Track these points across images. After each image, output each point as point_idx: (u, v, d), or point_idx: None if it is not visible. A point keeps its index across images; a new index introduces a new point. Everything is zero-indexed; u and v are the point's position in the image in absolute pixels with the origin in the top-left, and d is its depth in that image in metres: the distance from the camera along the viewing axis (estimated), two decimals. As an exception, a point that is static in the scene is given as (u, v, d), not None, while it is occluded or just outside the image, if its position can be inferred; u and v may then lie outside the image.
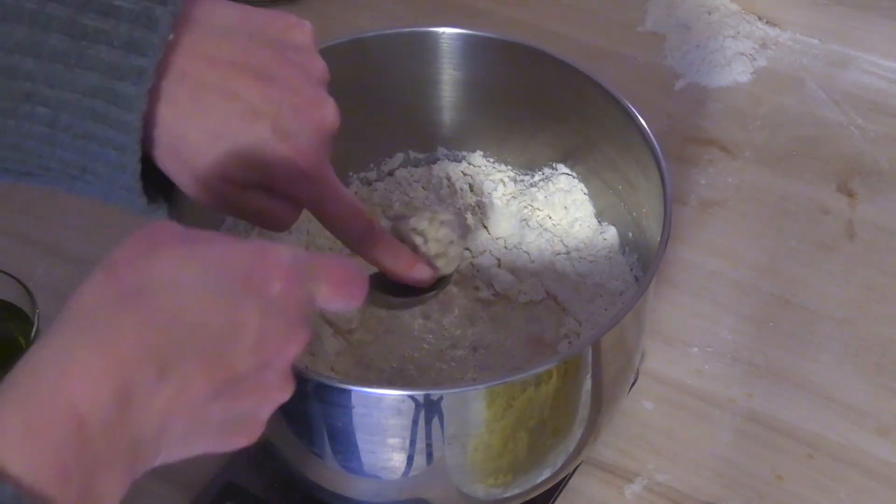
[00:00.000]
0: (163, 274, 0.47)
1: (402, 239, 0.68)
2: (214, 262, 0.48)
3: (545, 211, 0.82)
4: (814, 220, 0.92)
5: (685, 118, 0.99)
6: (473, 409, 0.62)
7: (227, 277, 0.48)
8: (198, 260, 0.48)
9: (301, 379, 0.62)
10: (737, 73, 1.02)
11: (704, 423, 0.80)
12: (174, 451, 0.47)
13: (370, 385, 0.71)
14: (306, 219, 0.81)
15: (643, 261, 0.76)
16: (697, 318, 0.86)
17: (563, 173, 0.81)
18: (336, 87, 0.78)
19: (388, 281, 0.67)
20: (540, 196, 0.82)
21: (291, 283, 0.49)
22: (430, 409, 0.61)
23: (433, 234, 0.68)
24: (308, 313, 0.51)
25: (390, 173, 0.84)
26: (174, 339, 0.45)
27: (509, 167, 0.84)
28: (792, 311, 0.86)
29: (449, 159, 0.84)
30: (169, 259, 0.47)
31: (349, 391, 0.62)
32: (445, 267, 0.69)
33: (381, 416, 0.62)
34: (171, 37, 0.54)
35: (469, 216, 0.83)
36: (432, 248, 0.68)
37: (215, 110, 0.56)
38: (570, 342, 0.76)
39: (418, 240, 0.68)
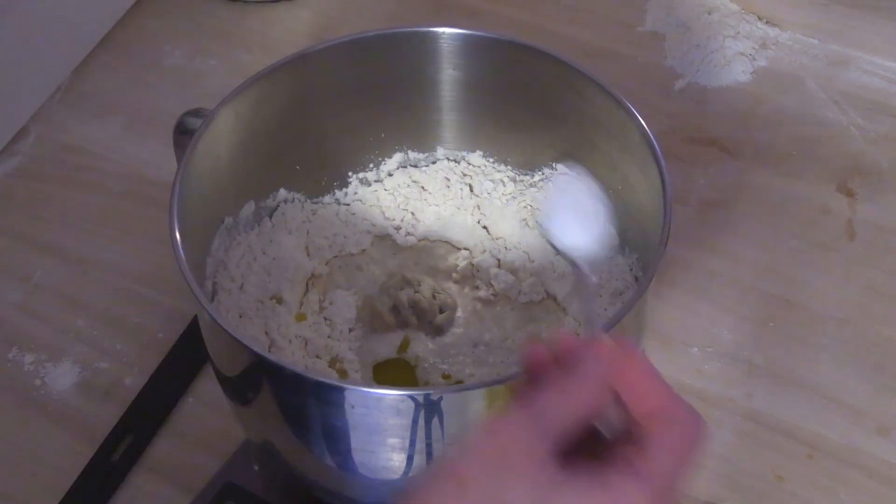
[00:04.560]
0: None
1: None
2: None
3: (545, 211, 0.82)
4: (814, 220, 0.92)
5: (685, 118, 0.99)
6: (473, 409, 0.62)
7: None
8: None
9: (301, 379, 0.63)
10: (737, 73, 1.02)
11: (704, 423, 0.80)
12: None
13: (370, 385, 0.71)
14: (306, 219, 0.81)
15: (643, 261, 0.76)
16: (697, 318, 0.86)
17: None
18: (336, 87, 0.79)
19: None
20: (540, 196, 0.82)
21: None
22: (429, 409, 0.61)
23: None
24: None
25: (390, 173, 0.84)
26: None
27: (509, 167, 0.84)
28: (792, 311, 0.86)
29: (449, 159, 0.84)
30: (521, 492, 0.45)
31: (349, 391, 0.62)
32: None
33: (381, 415, 0.62)
34: None
35: (469, 216, 0.83)
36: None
37: None
38: (569, 342, 0.76)
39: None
